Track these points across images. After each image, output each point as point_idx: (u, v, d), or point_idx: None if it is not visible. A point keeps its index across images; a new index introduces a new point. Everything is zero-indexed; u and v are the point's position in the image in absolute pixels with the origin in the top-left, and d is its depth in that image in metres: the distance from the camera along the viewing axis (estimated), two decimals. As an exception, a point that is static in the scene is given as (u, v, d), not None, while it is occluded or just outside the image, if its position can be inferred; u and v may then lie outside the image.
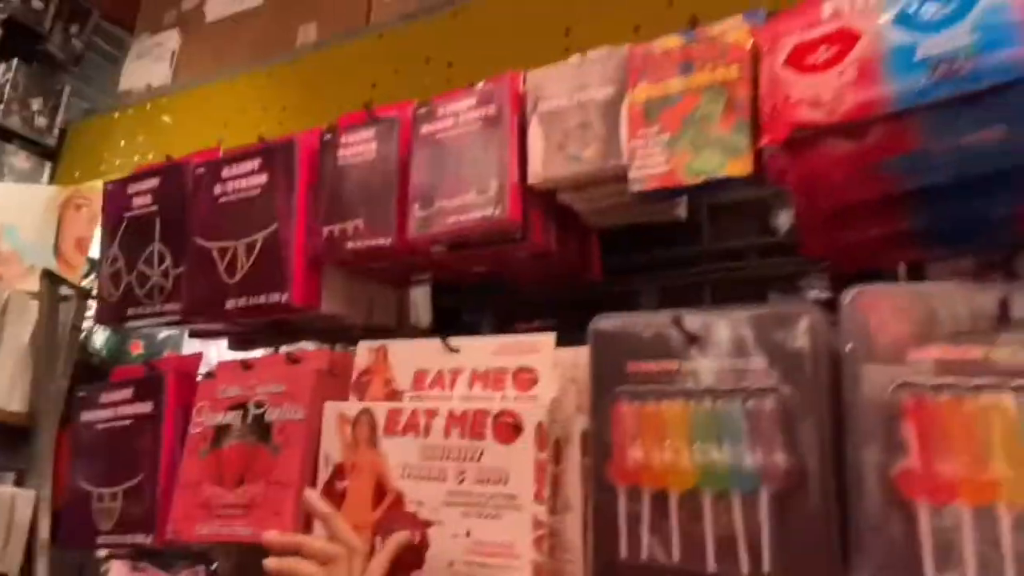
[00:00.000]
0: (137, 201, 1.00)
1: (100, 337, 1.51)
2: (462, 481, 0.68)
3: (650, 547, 0.60)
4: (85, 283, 1.60)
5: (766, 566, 0.56)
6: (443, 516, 0.68)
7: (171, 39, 2.29)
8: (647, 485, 0.62)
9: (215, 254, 0.91)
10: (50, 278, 1.46)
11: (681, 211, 0.84)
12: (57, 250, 1.58)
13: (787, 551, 0.56)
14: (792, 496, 0.56)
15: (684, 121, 0.67)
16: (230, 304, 0.88)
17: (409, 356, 0.78)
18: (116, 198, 1.03)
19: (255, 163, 0.91)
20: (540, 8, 1.07)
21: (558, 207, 0.79)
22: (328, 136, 0.88)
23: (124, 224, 1.01)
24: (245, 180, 0.91)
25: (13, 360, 1.41)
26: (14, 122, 2.95)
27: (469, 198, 0.75)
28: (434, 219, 0.76)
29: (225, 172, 0.92)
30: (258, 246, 0.88)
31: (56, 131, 3.25)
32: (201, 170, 0.95)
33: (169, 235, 0.96)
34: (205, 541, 0.81)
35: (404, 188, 0.80)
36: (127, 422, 0.93)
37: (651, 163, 0.68)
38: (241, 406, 0.85)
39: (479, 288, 1.01)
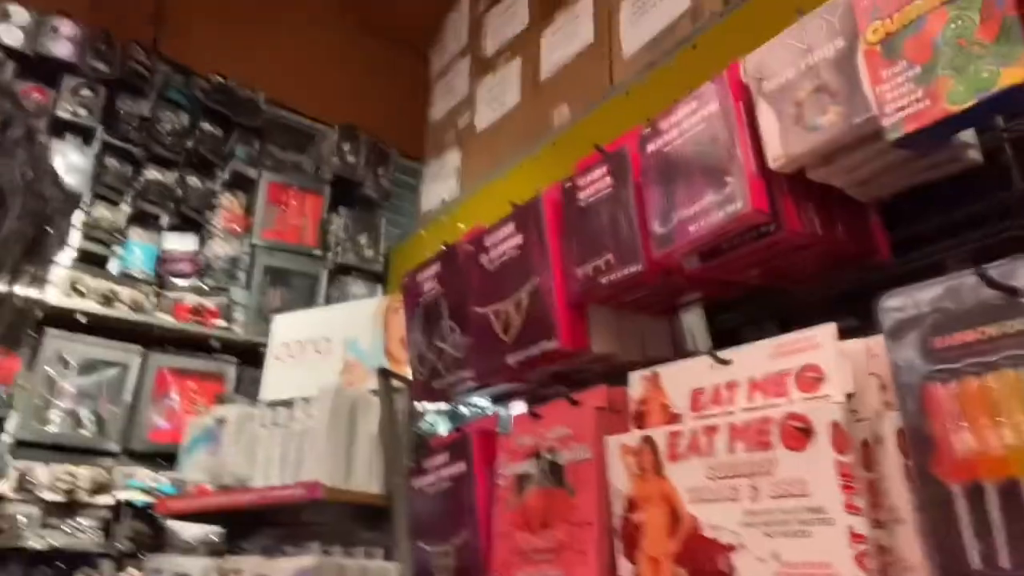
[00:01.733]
0: (426, 287, 1.13)
1: (431, 417, 1.70)
2: (756, 498, 0.62)
3: (1009, 550, 0.48)
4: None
5: None
6: (744, 539, 0.62)
7: (454, 157, 2.61)
8: (987, 476, 0.50)
9: (491, 317, 0.98)
10: (384, 375, 1.70)
11: (974, 154, 0.70)
12: (386, 351, 1.84)
13: None
14: None
15: (934, 44, 0.57)
16: (510, 360, 0.94)
17: (682, 378, 0.75)
18: (411, 289, 1.17)
19: (510, 227, 0.98)
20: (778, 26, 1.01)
21: (815, 187, 0.72)
22: (568, 183, 0.91)
23: (419, 309, 1.14)
24: (504, 244, 0.98)
25: (367, 450, 1.64)
26: (350, 258, 3.56)
27: (707, 201, 0.71)
28: (675, 232, 0.74)
29: (488, 241, 1.00)
30: (524, 302, 0.93)
31: (381, 258, 3.84)
32: (469, 246, 1.04)
33: (454, 309, 1.06)
34: (525, 588, 0.84)
35: (644, 212, 0.79)
36: (447, 483, 1.02)
37: (905, 102, 0.59)
38: (535, 454, 0.88)
39: (756, 300, 0.94)
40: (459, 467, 1.00)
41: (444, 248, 1.13)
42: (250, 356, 2.75)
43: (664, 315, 0.96)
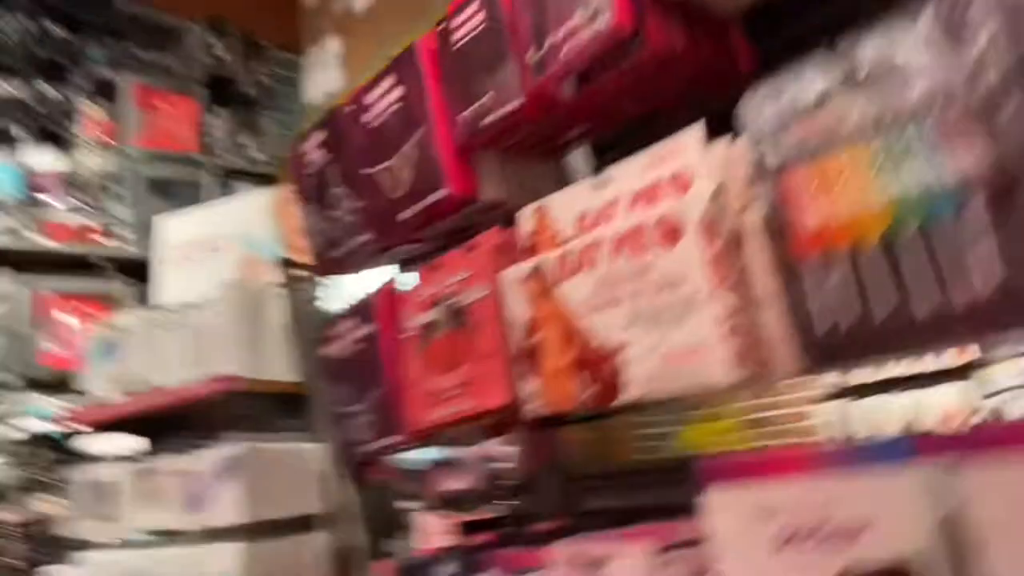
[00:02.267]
0: (312, 158, 1.11)
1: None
2: (639, 299, 0.66)
3: (849, 313, 0.54)
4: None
5: (995, 280, 0.48)
6: (629, 337, 0.67)
7: (334, 44, 2.47)
8: (834, 246, 0.55)
9: (380, 176, 0.97)
10: (286, 264, 1.67)
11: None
12: (284, 242, 1.80)
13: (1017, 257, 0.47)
14: (1008, 195, 0.47)
15: None
16: (403, 215, 0.94)
17: (567, 205, 0.78)
18: (296, 163, 1.14)
19: (388, 80, 0.95)
20: None
21: (679, 4, 0.73)
22: (441, 26, 0.89)
23: (308, 182, 1.12)
24: (384, 100, 0.96)
25: (277, 341, 1.63)
26: (236, 162, 3.40)
27: (575, 21, 0.71)
28: (548, 57, 0.74)
29: (367, 99, 0.98)
30: (411, 155, 0.92)
31: (272, 160, 3.67)
32: (349, 106, 1.01)
33: (343, 175, 1.05)
34: (439, 425, 0.88)
35: (519, 44, 0.79)
36: (356, 347, 1.03)
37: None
38: (437, 301, 0.90)
39: (639, 136, 0.97)
40: (365, 328, 1.02)
41: (325, 114, 1.09)
42: (139, 273, 2.63)
43: (551, 157, 0.98)
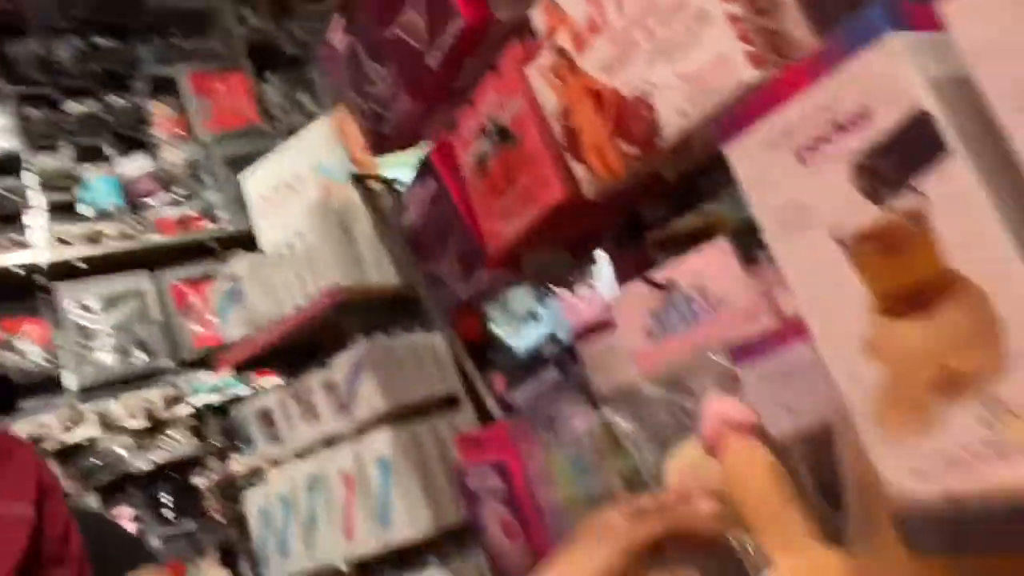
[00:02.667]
0: (338, 45, 1.15)
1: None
2: (652, 37, 0.66)
3: None
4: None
5: None
6: (653, 79, 0.67)
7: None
8: None
9: (400, 33, 1.00)
10: (357, 179, 1.75)
11: None
12: (353, 160, 1.88)
13: None
14: None
15: None
16: (430, 61, 0.97)
17: (572, -14, 0.78)
18: (327, 57, 1.19)
19: (381, -62, 0.97)
20: None
21: None
22: None
23: (341, 70, 1.16)
24: (382, -44, 0.98)
25: (371, 250, 1.73)
26: (297, 120, 3.51)
27: None
28: None
29: (367, -36, 1.00)
30: (421, 1, 0.94)
31: (330, 110, 3.75)
32: (355, -21, 1.04)
33: (370, 49, 1.08)
34: (516, 243, 0.93)
35: None
36: (428, 206, 1.09)
37: None
38: (482, 130, 0.93)
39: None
40: (431, 186, 1.07)
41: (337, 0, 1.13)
42: (249, 245, 2.81)
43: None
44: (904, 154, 0.38)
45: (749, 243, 0.75)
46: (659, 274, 0.77)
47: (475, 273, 1.04)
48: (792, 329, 0.51)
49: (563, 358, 0.87)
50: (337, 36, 1.14)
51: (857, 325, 0.43)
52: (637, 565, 0.60)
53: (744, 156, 0.47)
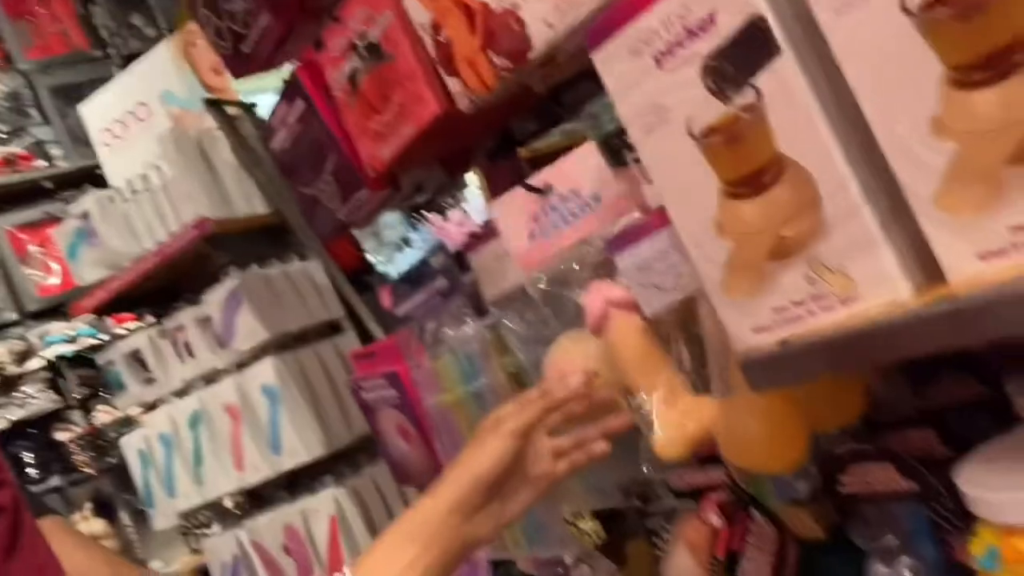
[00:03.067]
0: (186, -41, 1.08)
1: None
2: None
3: None
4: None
5: None
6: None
7: None
8: None
9: (255, -54, 0.96)
10: (213, 104, 1.66)
11: None
12: (205, 86, 1.78)
13: None
14: None
15: None
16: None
17: None
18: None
19: None
20: None
21: None
22: None
23: (193, -13, 1.09)
24: None
25: (234, 178, 1.67)
26: (134, 46, 3.22)
27: None
28: None
29: None
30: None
31: (168, 32, 3.47)
32: None
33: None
34: (393, 160, 0.94)
35: None
36: (298, 127, 1.07)
37: None
38: (353, 47, 0.93)
39: None
40: (299, 106, 1.06)
41: (181, -92, 1.05)
42: (93, 181, 2.60)
43: None
44: (744, 54, 0.45)
45: (615, 149, 0.82)
46: (536, 180, 0.82)
47: (354, 194, 1.05)
48: (657, 219, 0.57)
49: (450, 267, 0.91)
50: (183, -52, 1.07)
51: (709, 209, 0.50)
52: (528, 445, 0.68)
53: (610, 63, 0.52)
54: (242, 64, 1.14)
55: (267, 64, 1.16)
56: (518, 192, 0.80)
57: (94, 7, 3.33)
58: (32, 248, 2.85)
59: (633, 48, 0.50)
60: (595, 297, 0.64)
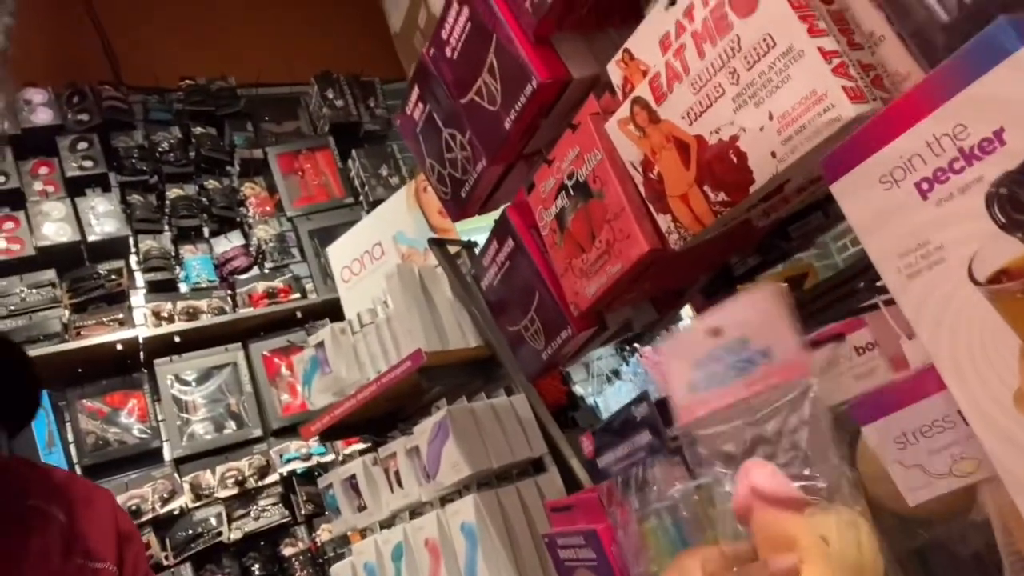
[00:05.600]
0: (415, 115, 1.17)
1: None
2: (737, 80, 0.64)
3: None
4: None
5: None
6: (740, 120, 0.64)
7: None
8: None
9: (475, 99, 1.01)
10: (436, 243, 1.77)
11: None
12: (431, 227, 1.91)
13: None
14: None
15: None
16: (507, 124, 0.97)
17: (647, 36, 0.76)
18: (406, 127, 1.21)
19: (453, 8, 0.99)
20: None
21: None
22: (481, -67, 0.92)
23: (419, 139, 1.18)
24: (456, 26, 1.00)
25: (451, 313, 1.73)
26: (380, 193, 3.62)
27: None
28: None
29: (443, 34, 1.03)
30: (494, 62, 0.95)
31: (408, 179, 3.86)
32: (430, 49, 1.07)
33: (446, 117, 1.10)
34: (600, 298, 0.89)
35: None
36: (507, 265, 1.08)
37: None
38: (561, 187, 0.92)
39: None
40: (508, 245, 1.06)
41: (414, 72, 1.15)
42: (335, 314, 2.87)
43: (633, 14, 0.97)
44: (1048, 178, 0.34)
45: (849, 289, 0.69)
46: (707, 319, 0.72)
47: (558, 334, 1.01)
48: (923, 382, 0.45)
49: (654, 420, 0.82)
50: (414, 107, 1.17)
51: (1004, 375, 0.37)
52: None
53: (855, 195, 0.43)
54: (460, 208, 1.19)
55: (483, 208, 1.20)
56: (687, 332, 0.71)
57: (351, 162, 3.82)
58: (281, 370, 3.16)
59: (886, 176, 0.41)
60: (741, 483, 0.52)
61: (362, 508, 1.71)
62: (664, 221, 0.76)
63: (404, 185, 3.60)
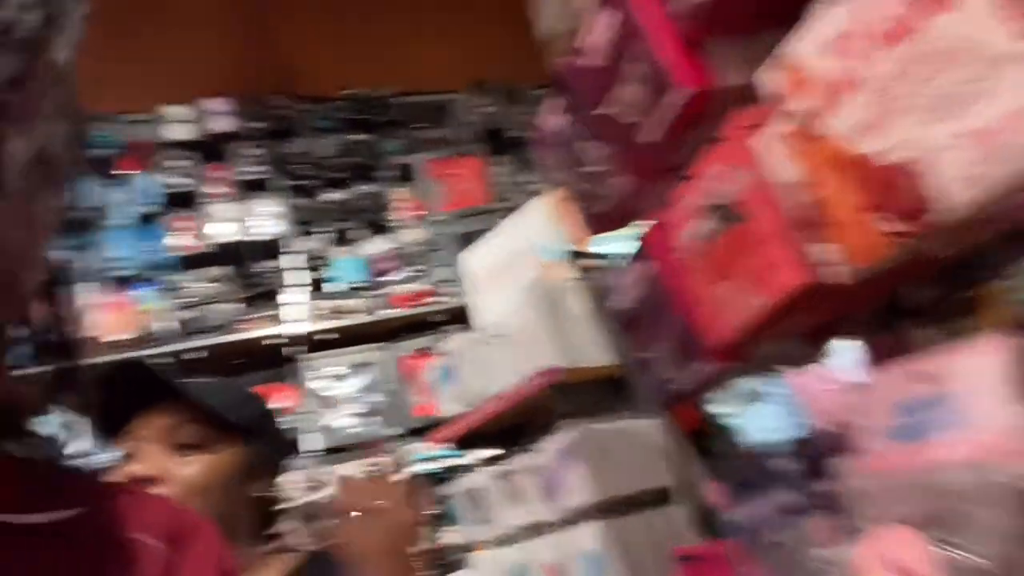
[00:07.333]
0: (552, 128, 1.13)
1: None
2: (923, 89, 0.54)
3: None
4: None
5: None
6: (924, 140, 0.54)
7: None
8: None
9: (615, 109, 0.95)
10: (573, 257, 1.72)
11: None
12: (571, 238, 1.86)
13: None
14: None
15: None
16: (647, 135, 0.90)
17: (812, 39, 0.67)
18: (542, 141, 1.17)
19: (599, 15, 0.94)
20: None
21: None
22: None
23: (555, 153, 1.13)
24: (597, 35, 0.94)
25: (587, 329, 1.67)
26: (523, 200, 3.62)
27: None
28: None
29: (583, 43, 0.97)
30: (636, 71, 0.89)
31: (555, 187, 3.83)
32: (568, 59, 1.02)
33: (583, 129, 1.04)
34: (744, 334, 0.80)
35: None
36: (641, 288, 1.00)
37: None
38: (703, 208, 0.84)
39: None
40: (643, 265, 0.99)
41: (552, 80, 1.11)
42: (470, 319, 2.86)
43: (793, 20, 0.87)
44: None
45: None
46: (919, 366, 0.61)
47: (692, 364, 0.93)
48: None
49: (800, 480, 0.72)
50: (551, 117, 1.12)
51: None
52: None
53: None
54: (597, 223, 1.13)
55: (620, 222, 1.14)
56: (891, 373, 0.60)
57: (497, 168, 3.86)
58: (418, 371, 3.25)
59: None
60: (869, 551, 0.42)
61: (482, 521, 1.69)
62: (823, 251, 0.67)
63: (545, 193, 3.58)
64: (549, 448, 1.53)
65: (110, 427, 1.00)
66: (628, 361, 1.56)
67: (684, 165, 0.99)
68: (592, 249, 1.84)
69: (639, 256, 1.01)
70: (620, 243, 1.47)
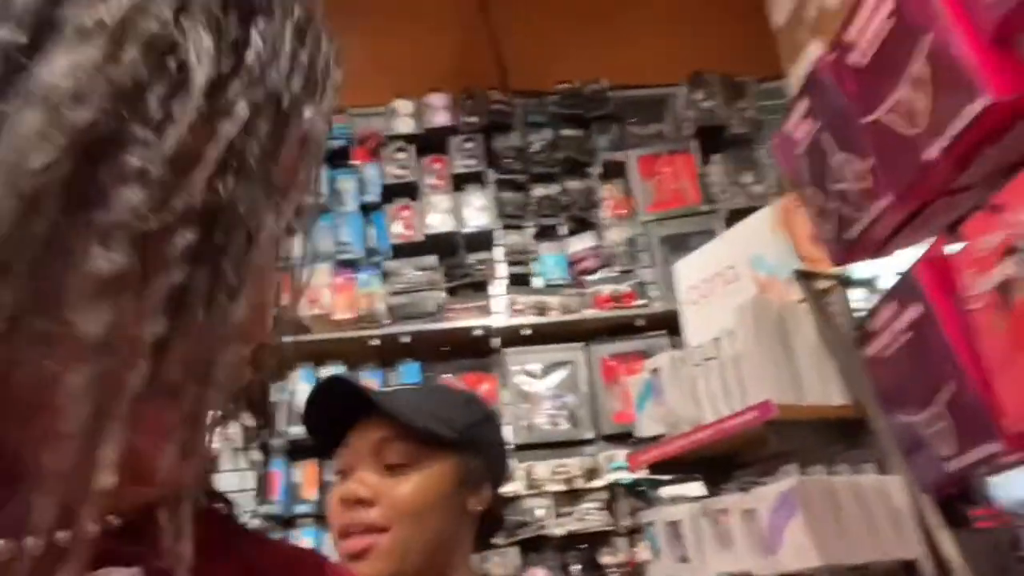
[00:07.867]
0: (799, 134, 0.96)
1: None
2: None
3: None
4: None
5: None
6: None
7: (815, 49, 2.28)
8: None
9: (889, 116, 0.77)
10: (804, 275, 1.52)
11: None
12: (799, 255, 1.65)
13: None
14: None
15: None
16: (929, 152, 0.72)
17: None
18: (784, 148, 1.01)
19: (873, 11, 0.77)
20: None
21: None
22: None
23: (800, 164, 0.97)
24: (873, 22, 0.77)
25: (812, 361, 1.47)
26: (739, 201, 3.36)
27: None
28: None
29: (850, 35, 0.81)
30: (924, 72, 0.71)
31: (776, 189, 3.54)
32: (830, 55, 0.85)
33: (841, 137, 0.87)
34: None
35: None
36: (905, 336, 0.82)
37: None
38: (1009, 250, 0.65)
39: None
40: (912, 311, 0.80)
41: (804, 81, 0.94)
42: (674, 325, 2.74)
43: None
44: None
45: None
46: None
47: (978, 445, 0.73)
48: None
49: None
50: (799, 123, 0.96)
51: None
52: None
53: None
54: (845, 249, 0.95)
55: (875, 252, 0.95)
56: None
57: (712, 166, 3.63)
58: (619, 376, 3.15)
59: None
60: None
61: (681, 558, 1.56)
62: None
63: (769, 197, 3.29)
64: (766, 493, 1.36)
65: (324, 444, 1.00)
66: (867, 401, 1.35)
67: (972, 189, 0.79)
68: (826, 267, 1.62)
69: (904, 297, 0.82)
70: (869, 270, 1.25)
